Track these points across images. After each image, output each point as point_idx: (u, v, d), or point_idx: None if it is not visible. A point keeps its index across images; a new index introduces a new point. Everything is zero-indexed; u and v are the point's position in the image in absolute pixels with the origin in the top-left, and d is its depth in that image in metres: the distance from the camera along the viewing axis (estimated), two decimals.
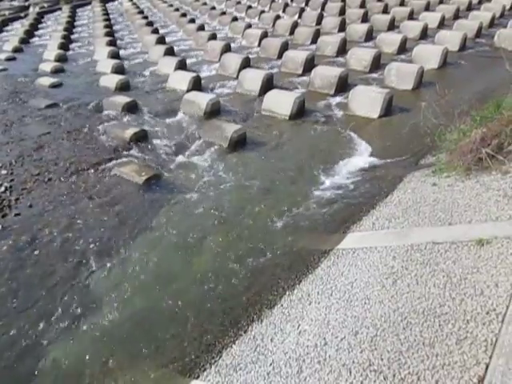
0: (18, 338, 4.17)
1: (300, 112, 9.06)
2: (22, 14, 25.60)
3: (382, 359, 3.21)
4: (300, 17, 19.00)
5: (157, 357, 3.92)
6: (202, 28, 18.08)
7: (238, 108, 9.82)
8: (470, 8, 17.75)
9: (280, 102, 9.18)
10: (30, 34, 19.89)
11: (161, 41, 15.99)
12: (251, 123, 8.94)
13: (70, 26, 20.74)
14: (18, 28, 21.46)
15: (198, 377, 3.66)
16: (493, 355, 2.91)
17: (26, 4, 28.15)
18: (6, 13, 25.60)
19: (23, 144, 8.21)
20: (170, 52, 14.26)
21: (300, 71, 11.86)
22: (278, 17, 18.85)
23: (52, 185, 6.81)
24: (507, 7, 17.35)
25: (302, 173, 6.82)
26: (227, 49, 14.00)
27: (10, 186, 6.73)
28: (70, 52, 16.26)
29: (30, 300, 4.61)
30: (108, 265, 5.08)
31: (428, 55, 11.54)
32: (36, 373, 3.86)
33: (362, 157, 7.25)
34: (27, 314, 4.44)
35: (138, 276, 4.88)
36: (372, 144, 7.60)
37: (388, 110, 8.72)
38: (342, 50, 13.40)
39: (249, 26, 17.53)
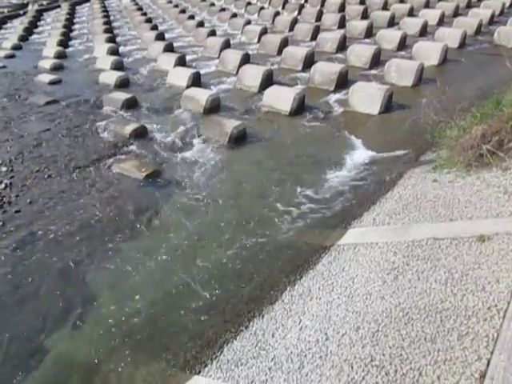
0: None
1: (300, 108, 9.03)
2: (21, 12, 25.44)
3: (383, 354, 3.22)
4: (299, 13, 18.93)
5: (157, 352, 3.92)
6: (201, 24, 18.01)
7: (238, 104, 9.79)
8: (469, 5, 17.71)
9: (280, 98, 9.15)
10: (29, 31, 19.75)
11: (160, 37, 15.91)
12: (251, 119, 8.92)
13: (69, 23, 20.61)
14: (17, 25, 21.34)
15: (200, 372, 3.67)
16: (494, 351, 2.92)
17: (25, 1, 27.96)
18: (5, 10, 25.41)
19: (23, 141, 8.19)
20: (169, 48, 14.21)
21: (300, 67, 11.84)
22: (277, 13, 18.78)
23: (52, 181, 6.79)
24: (507, 4, 17.30)
25: (303, 169, 6.80)
26: (227, 45, 13.96)
27: (10, 183, 6.72)
28: (70, 49, 16.18)
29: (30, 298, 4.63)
30: (105, 262, 5.08)
31: (428, 52, 11.52)
32: None
33: (361, 152, 7.24)
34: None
35: (136, 275, 4.90)
36: (372, 140, 7.59)
37: (388, 106, 8.70)
38: (342, 46, 13.38)
39: (248, 22, 17.48)
